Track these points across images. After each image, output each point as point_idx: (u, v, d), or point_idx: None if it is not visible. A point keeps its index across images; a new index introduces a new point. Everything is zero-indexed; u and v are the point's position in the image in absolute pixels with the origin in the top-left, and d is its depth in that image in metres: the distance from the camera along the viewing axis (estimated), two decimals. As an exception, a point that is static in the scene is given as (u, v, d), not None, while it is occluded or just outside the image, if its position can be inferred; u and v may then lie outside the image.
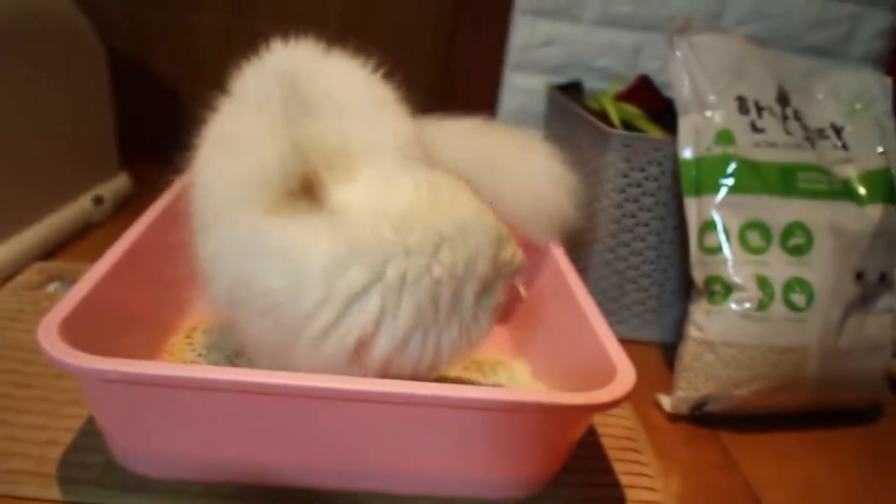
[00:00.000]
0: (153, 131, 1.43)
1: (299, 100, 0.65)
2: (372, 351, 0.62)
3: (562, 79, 1.38)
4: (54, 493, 0.64)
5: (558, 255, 0.88)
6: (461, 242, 0.62)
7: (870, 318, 0.90)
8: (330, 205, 0.61)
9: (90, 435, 0.70)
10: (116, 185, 1.30)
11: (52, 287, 0.98)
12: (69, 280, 0.99)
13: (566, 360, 0.80)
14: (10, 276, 0.99)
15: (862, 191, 0.92)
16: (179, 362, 0.83)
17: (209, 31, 1.43)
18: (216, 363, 0.84)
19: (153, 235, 0.82)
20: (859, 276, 0.88)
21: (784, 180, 0.89)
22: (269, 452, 0.64)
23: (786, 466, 0.83)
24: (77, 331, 0.61)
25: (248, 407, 0.60)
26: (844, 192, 0.91)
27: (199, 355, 0.85)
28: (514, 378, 0.87)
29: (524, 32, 1.41)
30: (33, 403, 0.74)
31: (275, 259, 0.61)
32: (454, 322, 0.63)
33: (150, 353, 0.82)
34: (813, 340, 0.86)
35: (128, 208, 1.30)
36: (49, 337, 0.58)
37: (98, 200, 1.22)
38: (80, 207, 1.18)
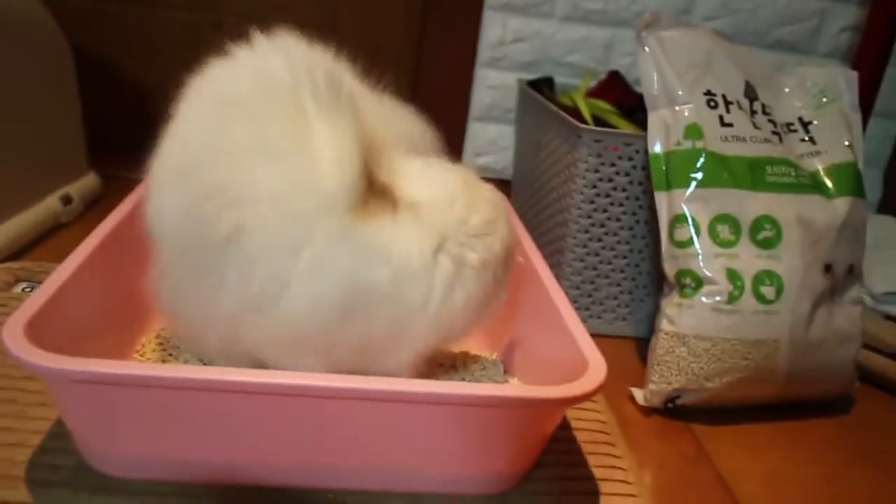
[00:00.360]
0: (121, 129, 1.41)
1: (351, 99, 0.65)
2: (455, 330, 0.70)
3: (533, 75, 1.39)
4: (23, 495, 0.63)
5: (531, 250, 0.88)
6: (501, 221, 0.70)
7: (839, 310, 0.91)
8: (400, 201, 0.65)
9: (59, 436, 0.69)
10: (85, 184, 1.28)
11: (20, 288, 0.97)
12: (38, 281, 0.98)
13: (538, 355, 0.80)
14: (-24, 278, 0.97)
15: (829, 184, 0.93)
16: (150, 362, 0.82)
17: (176, 27, 1.42)
18: (187, 362, 0.83)
19: (122, 234, 0.81)
20: (828, 268, 0.89)
21: (752, 174, 0.90)
22: (242, 451, 0.63)
23: (757, 458, 0.84)
24: (44, 331, 0.60)
25: (220, 406, 0.60)
26: (812, 185, 0.93)
27: (170, 355, 0.84)
28: (487, 373, 0.87)
29: (495, 29, 1.41)
30: (0, 406, 0.73)
31: (380, 259, 0.63)
32: (497, 292, 0.73)
33: (121, 353, 0.81)
34: (783, 333, 0.86)
35: (97, 207, 1.28)
36: (14, 337, 0.57)
37: (66, 200, 1.21)
38: (48, 207, 1.16)
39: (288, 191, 0.61)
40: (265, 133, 0.63)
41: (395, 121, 0.75)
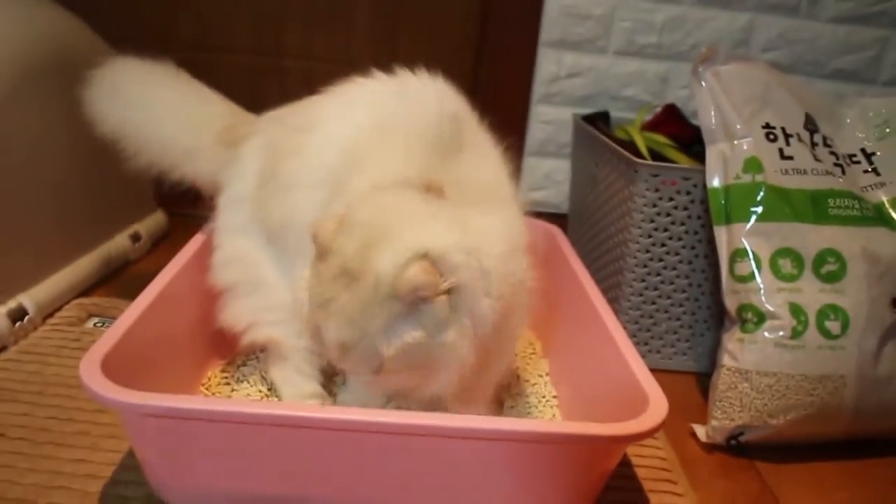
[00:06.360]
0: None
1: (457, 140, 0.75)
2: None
3: (588, 109, 1.39)
4: (95, 526, 0.65)
5: (588, 284, 0.88)
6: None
7: (908, 345, 0.89)
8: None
9: (130, 468, 0.72)
10: (153, 221, 1.32)
11: (91, 323, 1.00)
12: (110, 317, 1.01)
13: (598, 390, 0.79)
14: (51, 313, 1.01)
15: (895, 216, 0.91)
16: (216, 396, 0.84)
17: (240, 71, 1.46)
18: (251, 397, 0.85)
19: (190, 272, 0.83)
20: (895, 302, 0.87)
21: (815, 207, 0.89)
22: (309, 486, 0.64)
23: (825, 498, 0.82)
24: (117, 366, 0.62)
25: (287, 440, 0.61)
26: (877, 217, 0.91)
27: (234, 390, 0.86)
28: (545, 409, 0.87)
29: (549, 65, 1.42)
30: (74, 437, 0.76)
31: None
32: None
33: (188, 387, 0.84)
34: (850, 368, 0.84)
35: (164, 244, 1.33)
36: (91, 372, 0.60)
37: (135, 237, 1.25)
38: (117, 244, 1.21)
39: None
40: (378, 154, 0.73)
41: (484, 172, 0.78)
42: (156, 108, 0.93)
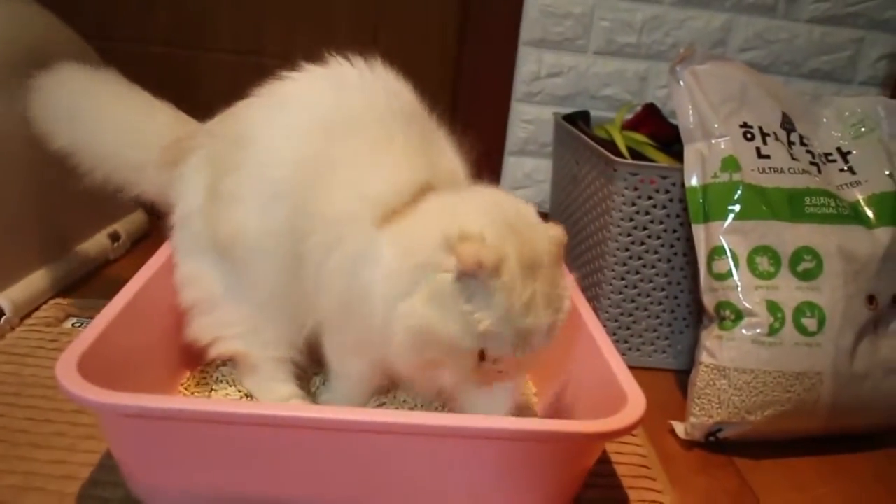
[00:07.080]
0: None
1: (426, 130, 0.76)
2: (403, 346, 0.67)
3: (569, 109, 1.40)
4: (72, 528, 0.64)
5: (569, 282, 0.88)
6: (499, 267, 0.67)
7: (884, 342, 0.90)
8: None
9: (108, 469, 0.71)
10: (132, 221, 1.31)
11: (70, 323, 0.99)
12: (88, 317, 1.01)
13: (577, 388, 0.80)
14: (28, 313, 1.00)
15: (870, 214, 0.93)
16: (194, 396, 0.84)
17: (220, 68, 1.46)
18: (230, 397, 0.85)
19: (168, 272, 0.83)
20: (871, 299, 0.88)
21: (791, 205, 0.89)
22: (287, 486, 0.64)
23: (804, 493, 0.83)
24: (94, 366, 0.62)
25: (265, 440, 0.61)
26: (853, 215, 0.92)
27: (213, 390, 0.86)
28: (525, 406, 0.88)
29: (530, 64, 1.43)
30: (51, 438, 0.75)
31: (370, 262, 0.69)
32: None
33: (166, 388, 0.83)
34: (826, 365, 0.85)
35: (143, 244, 1.32)
36: (67, 373, 0.59)
37: (115, 237, 1.24)
38: (97, 244, 1.20)
39: (345, 216, 0.70)
40: (345, 158, 0.72)
41: (447, 155, 0.78)
42: (99, 122, 0.90)
